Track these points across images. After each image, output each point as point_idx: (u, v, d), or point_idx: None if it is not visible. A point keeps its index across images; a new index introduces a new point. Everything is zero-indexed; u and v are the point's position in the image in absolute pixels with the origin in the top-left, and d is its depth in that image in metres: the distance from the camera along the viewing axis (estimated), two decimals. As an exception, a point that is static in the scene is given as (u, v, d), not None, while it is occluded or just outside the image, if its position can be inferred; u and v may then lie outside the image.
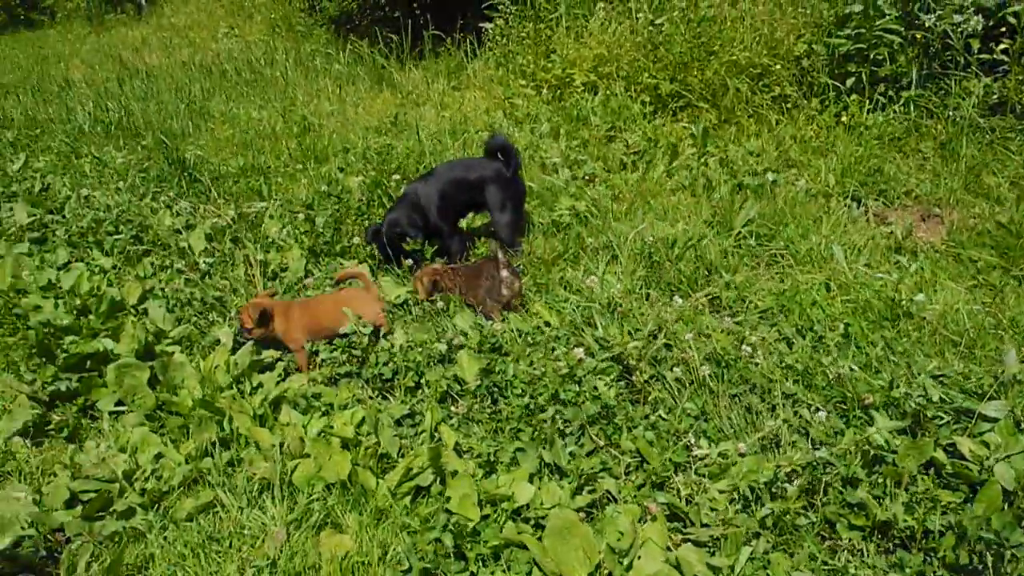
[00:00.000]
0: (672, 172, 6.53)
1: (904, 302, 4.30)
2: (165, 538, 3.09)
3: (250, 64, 11.14)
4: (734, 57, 7.99)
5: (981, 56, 6.90)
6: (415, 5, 10.97)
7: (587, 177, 6.43)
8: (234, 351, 4.15)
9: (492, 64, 10.07)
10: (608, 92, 8.41)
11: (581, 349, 3.85)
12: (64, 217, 6.18)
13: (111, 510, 3.19)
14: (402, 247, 4.92)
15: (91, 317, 4.48)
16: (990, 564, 2.61)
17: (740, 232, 5.17)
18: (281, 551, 2.97)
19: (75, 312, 4.54)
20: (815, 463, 3.03)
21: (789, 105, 7.78)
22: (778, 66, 7.89)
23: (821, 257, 4.89)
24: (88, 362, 4.05)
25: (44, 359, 4.14)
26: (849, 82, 7.47)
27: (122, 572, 2.88)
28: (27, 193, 6.79)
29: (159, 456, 3.50)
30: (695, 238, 4.92)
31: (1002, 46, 6.84)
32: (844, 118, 7.23)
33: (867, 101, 7.21)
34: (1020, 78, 6.75)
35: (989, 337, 4.15)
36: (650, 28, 8.67)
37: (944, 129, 6.77)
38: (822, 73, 7.71)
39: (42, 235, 5.84)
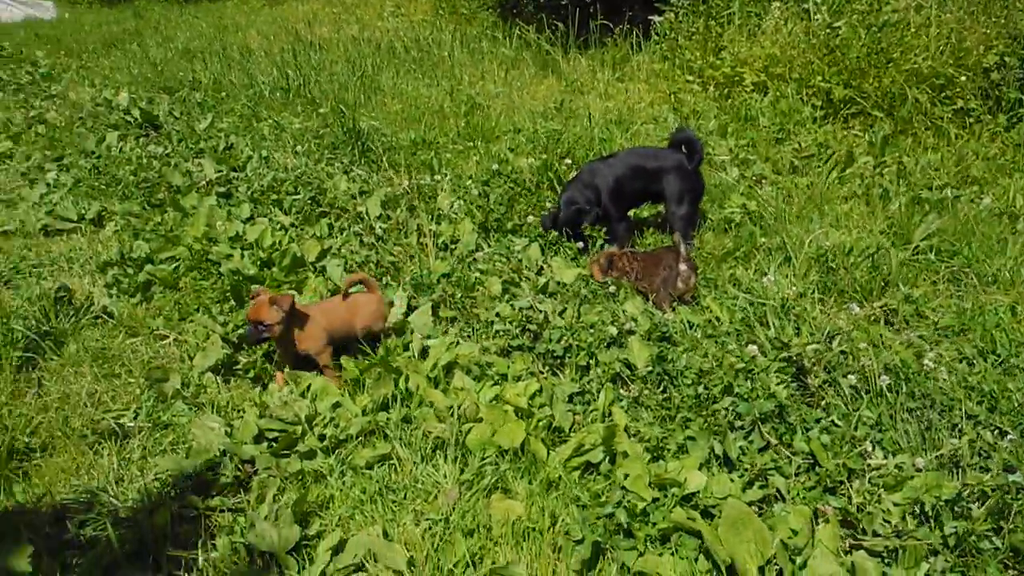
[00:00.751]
0: (844, 179, 6.35)
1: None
2: (344, 482, 3.23)
3: (417, 43, 11.40)
4: (915, 65, 7.69)
5: None
6: (585, -7, 11.01)
7: (756, 178, 6.33)
8: (407, 313, 4.29)
9: (658, 58, 10.01)
10: (778, 93, 8.24)
11: (755, 346, 3.80)
12: (247, 175, 6.50)
13: (295, 450, 3.36)
14: (579, 225, 4.97)
15: (275, 269, 4.71)
16: None
17: (918, 246, 4.98)
18: (453, 508, 3.06)
19: (260, 264, 4.78)
20: (1006, 487, 2.90)
21: (972, 120, 7.43)
22: (963, 77, 7.55)
23: (1008, 279, 4.67)
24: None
25: (235, 304, 4.38)
26: (1041, 98, 7.10)
27: (305, 508, 3.02)
28: (213, 151, 7.17)
29: (336, 406, 3.65)
30: (871, 247, 4.77)
31: None
32: (1034, 136, 6.88)
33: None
34: None
35: None
36: (827, 31, 8.43)
37: None
38: (1012, 87, 7.33)
39: (227, 190, 6.16)
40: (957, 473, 3.15)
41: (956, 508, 2.89)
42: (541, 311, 4.08)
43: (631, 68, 9.96)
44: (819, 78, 8.13)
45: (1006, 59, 7.48)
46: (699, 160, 5.11)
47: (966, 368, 3.83)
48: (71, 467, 3.37)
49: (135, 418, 3.64)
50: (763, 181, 6.28)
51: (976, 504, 2.88)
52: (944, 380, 3.61)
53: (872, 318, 4.28)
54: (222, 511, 3.11)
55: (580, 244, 4.98)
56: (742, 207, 5.54)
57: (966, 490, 2.90)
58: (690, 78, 9.18)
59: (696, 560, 2.86)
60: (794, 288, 4.43)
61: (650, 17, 10.16)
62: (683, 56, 9.57)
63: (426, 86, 9.48)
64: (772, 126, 7.54)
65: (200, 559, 2.86)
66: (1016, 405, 3.49)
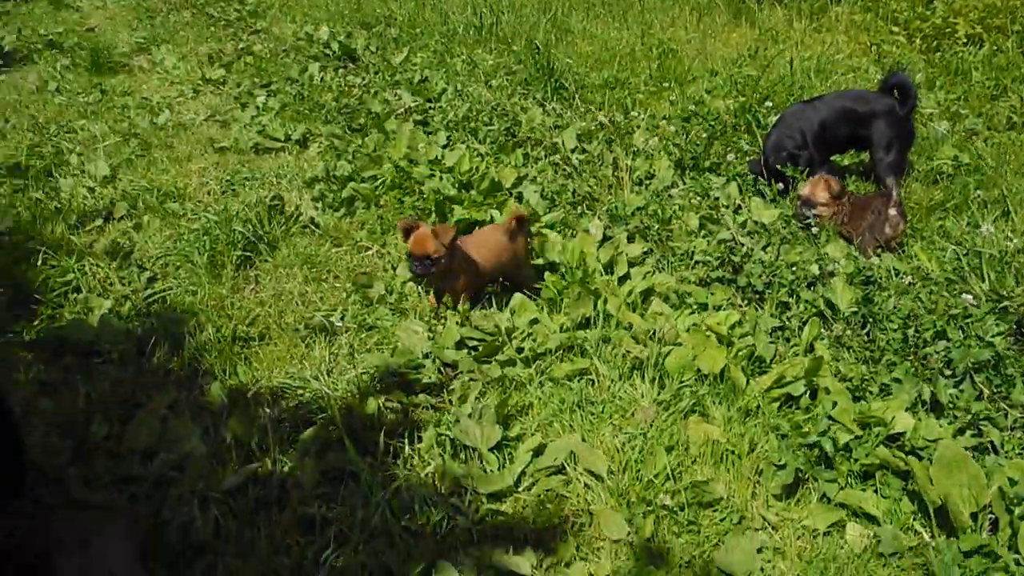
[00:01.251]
0: (1072, 139, 5.85)
1: None
2: (543, 392, 3.27)
3: (611, -14, 11.25)
4: None
5: None
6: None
7: (967, 132, 5.92)
8: (602, 243, 4.29)
9: (860, 8, 9.50)
10: (996, 47, 7.66)
11: (969, 296, 3.59)
12: (442, 106, 6.62)
13: (496, 358, 3.43)
14: (785, 169, 4.83)
15: (473, 192, 4.79)
16: None
17: None
18: (651, 425, 3.05)
19: (459, 186, 4.87)
20: None
21: None
22: None
23: None
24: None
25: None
26: None
27: (506, 411, 3.08)
28: (408, 83, 7.34)
29: (534, 322, 3.70)
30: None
31: None
32: None
33: None
34: None
35: None
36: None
37: None
38: None
39: (424, 119, 6.31)
40: None
41: None
42: (743, 244, 3.98)
43: (829, 19, 9.50)
44: (1046, 31, 7.51)
45: None
46: (912, 106, 4.84)
47: None
48: (285, 356, 3.57)
49: (342, 318, 3.81)
50: (975, 136, 5.87)
51: None
52: None
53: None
54: (425, 408, 3.22)
55: (780, 185, 4.81)
56: (954, 159, 5.21)
57: None
58: (895, 29, 8.66)
59: (900, 500, 2.75)
60: (1013, 242, 4.13)
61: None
62: (888, 7, 9.04)
63: (616, 29, 9.35)
64: (987, 81, 7.02)
65: (406, 448, 2.97)
66: None
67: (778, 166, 4.84)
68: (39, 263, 4.27)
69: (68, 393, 3.28)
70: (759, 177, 4.99)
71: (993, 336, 3.35)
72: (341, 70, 8.02)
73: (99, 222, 4.84)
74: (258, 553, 2.53)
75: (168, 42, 9.68)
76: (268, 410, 3.16)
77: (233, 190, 5.26)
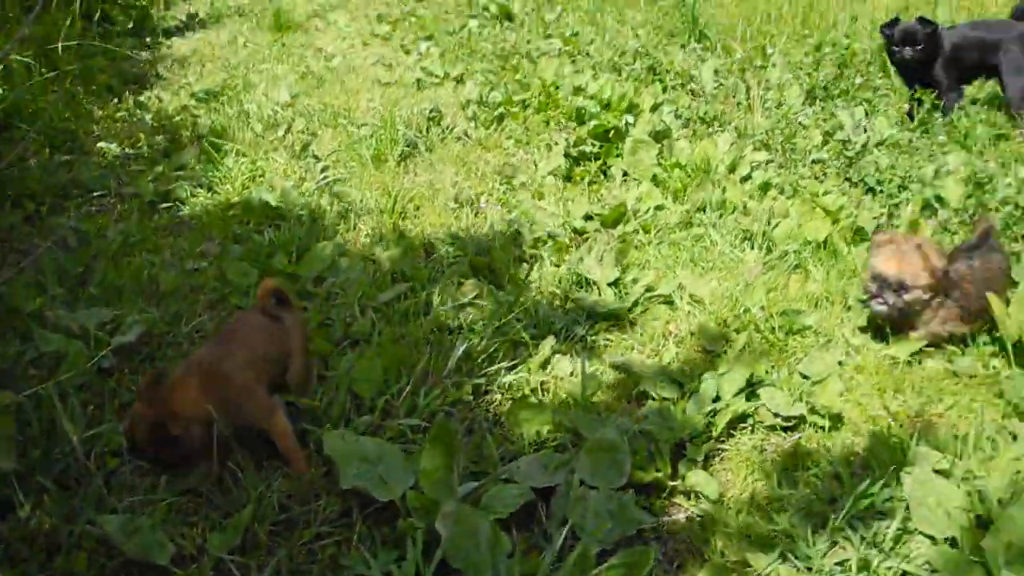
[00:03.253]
0: None
1: None
2: (660, 251, 3.67)
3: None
4: None
5: None
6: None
7: None
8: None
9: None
10: None
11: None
12: (589, 52, 7.06)
13: (619, 226, 3.84)
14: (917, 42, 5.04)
15: (611, 110, 5.20)
16: None
17: None
18: (756, 278, 3.39)
19: (600, 105, 5.29)
20: None
21: None
22: None
23: None
24: (611, 134, 4.75)
25: (577, 126, 4.94)
26: None
27: (625, 260, 3.50)
28: (561, 36, 7.81)
29: (660, 207, 4.08)
30: None
31: None
32: None
33: None
34: None
35: None
36: None
37: None
38: None
39: (573, 60, 6.77)
40: None
41: None
42: (858, 142, 4.23)
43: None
44: None
45: None
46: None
47: None
48: (437, 223, 4.10)
49: (488, 198, 4.31)
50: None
51: None
52: None
53: None
54: (560, 259, 3.67)
55: (905, 106, 4.98)
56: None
57: None
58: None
59: (989, 343, 2.98)
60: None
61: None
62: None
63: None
64: None
65: (536, 279, 3.44)
66: None
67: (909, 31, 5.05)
68: (233, 158, 4.97)
69: (256, 239, 3.90)
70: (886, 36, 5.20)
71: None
72: (497, 27, 8.58)
73: (281, 132, 5.53)
74: (405, 345, 3.03)
75: (341, 7, 10.54)
76: (421, 256, 3.68)
77: (397, 107, 5.86)
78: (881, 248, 2.92)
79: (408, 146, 4.92)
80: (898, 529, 2.12)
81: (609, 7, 9.02)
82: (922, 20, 5.10)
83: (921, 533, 2.11)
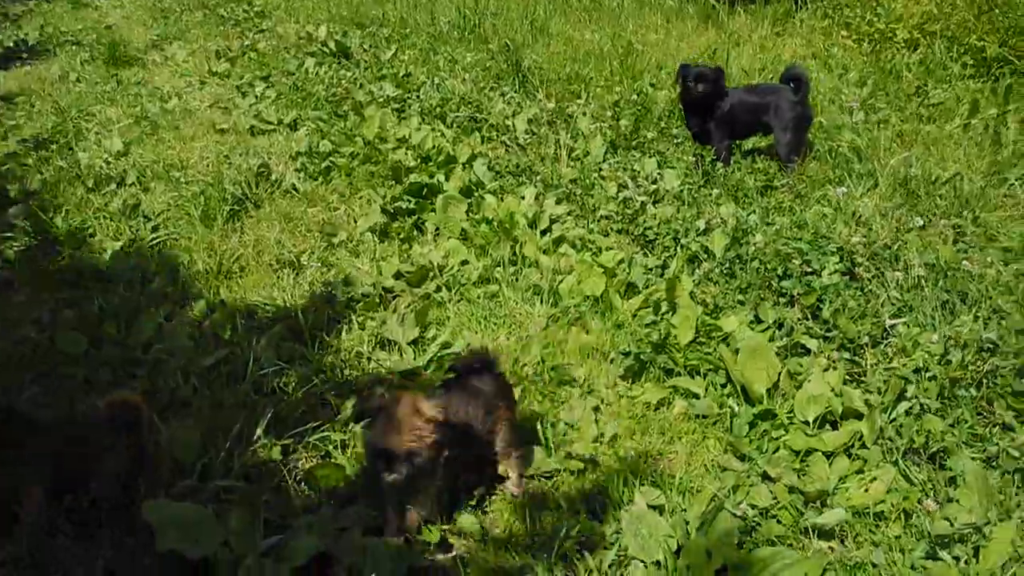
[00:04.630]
0: (969, 128, 6.64)
1: None
2: (458, 308, 4.13)
3: (592, -7, 12.13)
4: (1076, 26, 7.75)
5: None
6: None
7: (878, 121, 6.73)
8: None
9: (819, 15, 10.31)
10: (929, 50, 8.46)
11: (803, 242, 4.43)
12: (419, 97, 7.50)
13: (425, 284, 4.29)
14: (700, 81, 5.68)
15: (430, 164, 5.65)
16: None
17: (1012, 182, 5.34)
18: (539, 332, 3.90)
19: (420, 159, 5.74)
20: (982, 344, 3.44)
21: None
22: None
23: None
24: (424, 192, 5.20)
25: (394, 183, 5.36)
26: None
27: (425, 320, 3.94)
28: (394, 76, 8.22)
29: (465, 262, 4.55)
30: (958, 176, 5.20)
31: None
32: None
33: None
34: None
35: None
36: (987, -11, 8.54)
37: None
38: None
39: (402, 107, 7.20)
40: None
41: (943, 360, 3.46)
42: (639, 200, 4.83)
43: (792, 24, 10.32)
44: (974, 36, 8.29)
45: None
46: (805, 92, 5.65)
47: (1014, 278, 4.28)
48: (261, 284, 4.44)
49: (309, 257, 4.68)
50: (883, 124, 6.67)
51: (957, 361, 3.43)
52: (978, 281, 4.10)
53: (942, 236, 4.75)
54: (368, 318, 4.07)
55: (692, 157, 5.64)
56: (850, 142, 6.02)
57: (948, 342, 3.46)
58: (845, 34, 9.48)
59: (724, 385, 3.57)
60: (869, 204, 4.95)
61: (814, -25, 10.44)
62: (843, 13, 9.85)
63: (591, 32, 10.21)
64: (915, 81, 7.82)
65: (345, 341, 3.84)
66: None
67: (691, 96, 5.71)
68: (63, 217, 5.16)
69: (87, 305, 4.16)
70: (682, 76, 5.82)
71: (831, 273, 4.20)
72: (335, 65, 8.90)
73: (112, 186, 5.73)
74: (224, 409, 3.38)
75: (180, 39, 10.63)
76: (242, 319, 4.02)
77: (228, 161, 6.13)
78: (376, 420, 2.65)
79: (236, 204, 5.23)
80: (619, 554, 2.64)
81: (442, 46, 9.49)
82: (713, 67, 5.83)
83: (636, 558, 2.64)
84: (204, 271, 4.53)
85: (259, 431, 3.16)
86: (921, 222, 4.72)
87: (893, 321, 3.81)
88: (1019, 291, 4.07)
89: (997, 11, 8.32)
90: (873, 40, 9.17)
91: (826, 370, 3.55)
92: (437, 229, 4.95)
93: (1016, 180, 5.40)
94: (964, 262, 4.23)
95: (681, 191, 5.29)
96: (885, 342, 3.75)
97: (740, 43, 9.79)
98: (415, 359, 3.72)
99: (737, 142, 6.10)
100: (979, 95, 7.22)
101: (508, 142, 6.21)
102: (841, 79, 8.09)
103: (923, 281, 4.12)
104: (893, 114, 6.93)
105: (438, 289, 4.28)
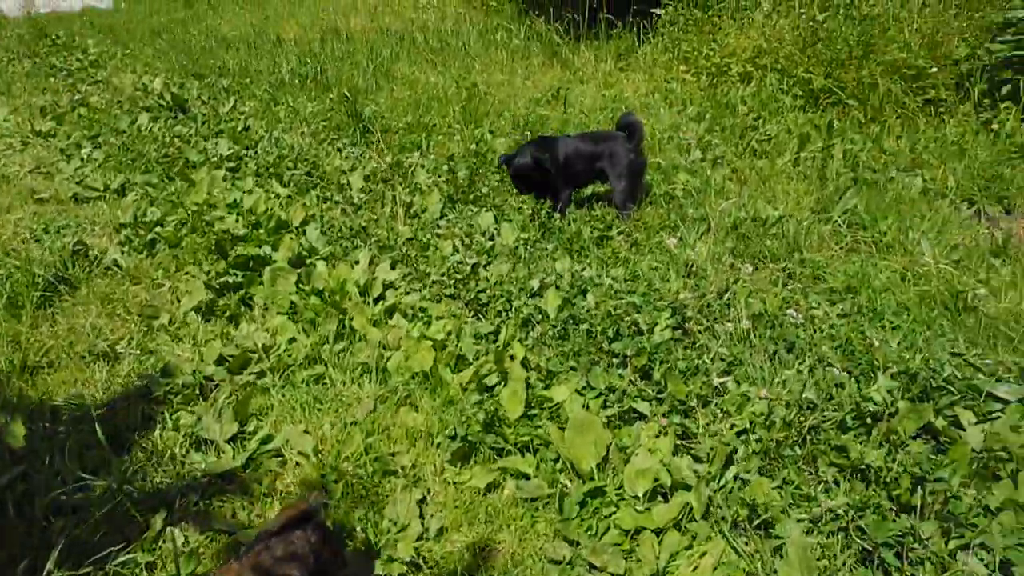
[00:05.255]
0: (799, 162, 6.89)
1: (968, 295, 4.60)
2: (283, 395, 3.95)
3: (438, 33, 12.12)
4: (891, 57, 8.15)
5: None
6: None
7: (714, 159, 6.90)
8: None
9: (660, 49, 10.56)
10: (761, 83, 8.77)
11: (638, 296, 4.45)
12: (256, 152, 7.27)
13: (248, 370, 4.09)
14: (532, 170, 5.62)
15: (261, 231, 5.45)
16: (930, 502, 3.04)
17: (836, 219, 5.53)
18: (366, 416, 3.76)
19: (250, 226, 5.52)
20: (801, 403, 3.50)
21: (942, 110, 7.89)
22: (934, 69, 8.01)
23: (907, 250, 5.20)
24: (252, 263, 4.99)
25: (219, 257, 5.13)
26: (1005, 89, 7.52)
27: (247, 412, 3.75)
28: (231, 131, 7.96)
29: (292, 340, 4.38)
30: (785, 216, 5.35)
31: None
32: (995, 125, 7.31)
33: (1021, 110, 7.23)
34: None
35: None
36: (811, 23, 8.92)
37: (1094, 144, 6.76)
38: (980, 79, 7.76)
39: (236, 166, 6.95)
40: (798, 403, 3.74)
41: (768, 421, 3.51)
42: (468, 264, 4.76)
43: (635, 59, 10.54)
44: (801, 68, 8.65)
45: (977, 52, 7.89)
46: (639, 140, 5.73)
47: (837, 320, 4.40)
48: (70, 380, 4.15)
49: (127, 345, 4.41)
50: (719, 162, 6.85)
51: (781, 419, 3.48)
52: (804, 328, 4.21)
53: (773, 279, 4.87)
54: (185, 411, 3.85)
55: (529, 213, 5.63)
56: (685, 183, 6.14)
57: (770, 403, 3.51)
58: (684, 68, 9.74)
59: (555, 460, 3.52)
60: (703, 250, 5.04)
61: (652, 10, 10.71)
62: (680, 47, 10.12)
63: (438, 74, 10.18)
64: (751, 113, 8.08)
65: (158, 442, 3.61)
66: (867, 350, 4.06)
67: (516, 166, 5.65)
68: None
69: None
70: (500, 165, 5.75)
71: (663, 329, 4.22)
72: (171, 120, 8.57)
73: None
74: (15, 536, 3.11)
75: (3, 93, 10.04)
76: (44, 425, 3.73)
77: (45, 233, 5.76)
78: None
79: (48, 289, 4.90)
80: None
81: (283, 96, 9.27)
82: (541, 145, 5.79)
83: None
84: (5, 369, 4.20)
85: (51, 564, 2.91)
86: (751, 268, 4.82)
87: (721, 380, 3.85)
88: (841, 335, 4.20)
89: (820, 44, 8.70)
90: (711, 74, 9.46)
91: (658, 436, 3.55)
92: (266, 304, 4.75)
93: (840, 217, 5.61)
94: (789, 311, 4.32)
95: (517, 247, 5.26)
96: (714, 401, 3.79)
97: (584, 80, 9.95)
98: (234, 458, 3.53)
99: (576, 190, 6.13)
100: (808, 127, 7.52)
101: (342, 201, 6.05)
102: (680, 114, 8.30)
103: (751, 333, 4.20)
104: (729, 150, 7.13)
105: (262, 374, 4.09)
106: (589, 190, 6.31)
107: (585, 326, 4.26)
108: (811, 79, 8.48)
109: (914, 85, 8.08)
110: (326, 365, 4.15)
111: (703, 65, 9.55)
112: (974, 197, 6.15)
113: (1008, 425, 3.37)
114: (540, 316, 4.48)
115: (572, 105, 8.37)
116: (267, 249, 5.11)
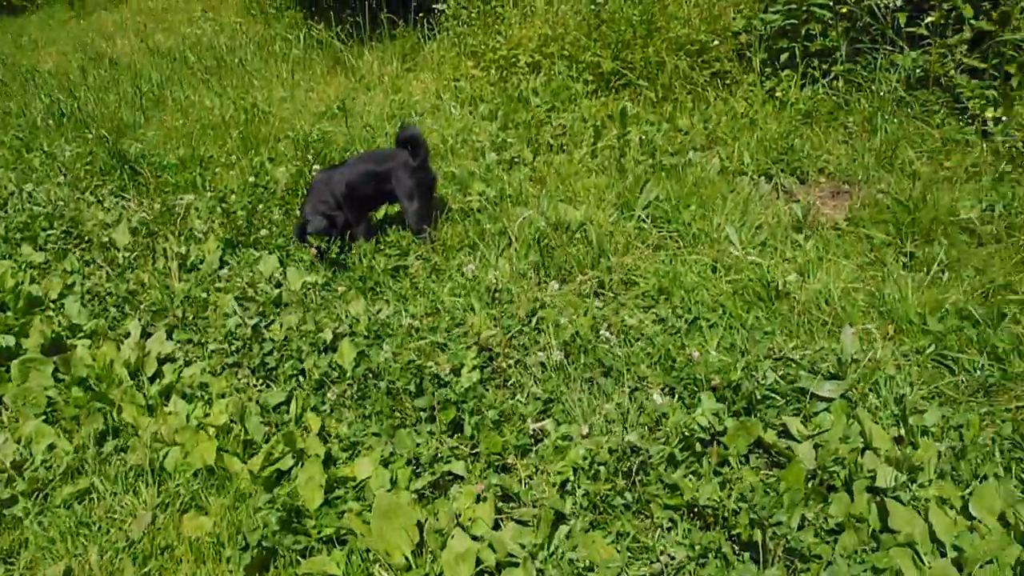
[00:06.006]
0: (597, 153, 6.69)
1: (779, 283, 4.48)
2: (40, 524, 3.34)
3: (212, 50, 11.29)
4: (675, 34, 8.11)
5: (909, 30, 6.93)
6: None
7: (511, 160, 6.59)
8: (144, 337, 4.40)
9: (447, 45, 10.18)
10: (551, 72, 8.55)
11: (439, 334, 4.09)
12: (6, 213, 6.40)
13: (-4, 492, 3.45)
14: (329, 234, 5.14)
15: (7, 314, 4.71)
16: (769, 543, 2.83)
17: (639, 215, 5.33)
18: (144, 533, 3.21)
19: (-3, 307, 4.78)
20: (625, 447, 3.23)
21: (728, 81, 7.90)
22: (716, 42, 8.02)
23: (713, 239, 5.06)
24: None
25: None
26: (783, 57, 7.58)
27: (-8, 556, 3.13)
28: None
29: (52, 447, 3.74)
30: (587, 221, 5.10)
31: (929, 19, 6.87)
32: (778, 93, 7.36)
33: (800, 77, 7.30)
34: (941, 51, 6.82)
35: (860, 316, 4.34)
36: (593, 6, 8.77)
37: (869, 104, 6.88)
38: (760, 49, 7.80)
39: (-20, 234, 6.08)
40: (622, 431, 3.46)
41: (594, 471, 3.21)
42: (249, 325, 4.24)
43: (422, 58, 10.12)
44: (589, 53, 8.47)
45: (753, 22, 7.93)
46: (424, 156, 5.33)
47: (658, 330, 4.18)
48: None
49: None
50: (517, 163, 6.55)
51: (603, 466, 3.19)
52: (620, 348, 3.95)
53: (582, 292, 4.60)
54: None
55: (315, 251, 5.12)
56: (481, 194, 5.79)
57: (592, 453, 3.21)
58: (471, 63, 9.41)
59: (367, 551, 3.09)
60: (507, 268, 4.72)
61: (434, 5, 10.32)
62: (466, 42, 9.79)
63: (215, 96, 9.42)
64: (544, 105, 7.82)
65: None
66: (687, 364, 3.83)
67: (311, 234, 5.14)
68: None
69: None
70: (301, 241, 5.26)
71: (470, 371, 3.86)
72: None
73: None
74: None
75: None
76: None
77: None
78: None
79: None
80: None
81: (40, 139, 8.32)
82: (318, 189, 5.33)
83: None
84: None
85: None
86: (557, 285, 4.53)
87: (537, 424, 3.53)
88: (659, 347, 3.97)
89: (604, 27, 8.57)
90: (500, 67, 9.16)
91: (478, 501, 3.20)
92: (17, 407, 4.07)
93: (642, 212, 5.41)
94: (602, 331, 4.05)
95: (306, 293, 4.76)
96: (534, 450, 3.47)
97: (371, 87, 9.46)
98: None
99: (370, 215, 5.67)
100: (602, 114, 7.34)
101: (105, 263, 5.35)
102: (473, 114, 7.97)
103: (564, 361, 3.90)
104: (524, 148, 6.85)
105: (12, 501, 3.45)
106: (382, 212, 5.85)
107: (385, 382, 3.83)
108: (600, 63, 8.32)
109: (699, 60, 8.07)
110: (92, 475, 3.54)
111: (491, 59, 9.24)
112: (770, 171, 6.11)
113: (837, 437, 3.21)
114: (336, 373, 4.02)
115: (358, 116, 7.87)
116: (9, 339, 4.39)
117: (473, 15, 9.88)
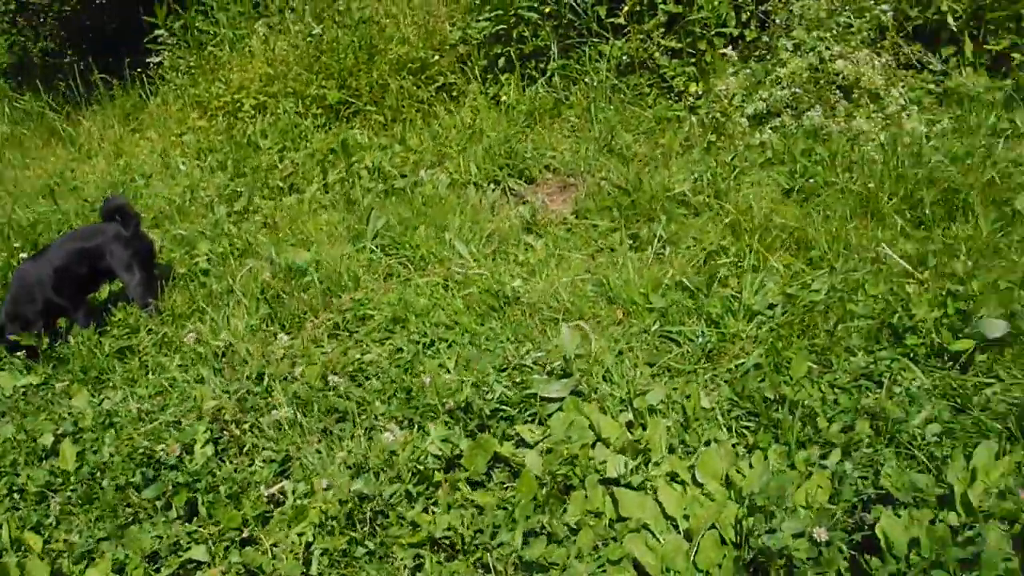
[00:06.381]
0: (329, 188, 6.55)
1: (506, 289, 4.53)
2: None
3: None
4: (394, 55, 8.10)
5: (610, 20, 7.22)
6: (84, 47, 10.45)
7: (242, 211, 6.35)
8: None
9: (172, 98, 9.71)
10: (277, 111, 8.31)
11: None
12: None
13: None
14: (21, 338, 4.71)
15: None
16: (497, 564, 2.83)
17: (368, 246, 5.25)
18: None
19: None
20: (353, 494, 3.14)
21: (455, 93, 7.97)
22: (436, 57, 8.08)
23: (443, 257, 5.05)
24: None
25: None
26: (501, 62, 7.73)
27: None
28: None
29: None
30: (314, 262, 4.98)
31: (625, 8, 7.18)
32: (503, 97, 7.49)
33: (519, 79, 7.47)
34: (640, 37, 7.15)
35: (590, 306, 4.45)
36: (310, 37, 8.62)
37: (585, 96, 7.12)
38: (479, 57, 7.92)
39: None
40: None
41: (328, 527, 3.10)
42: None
43: (147, 115, 9.60)
44: (313, 86, 8.31)
45: (468, 32, 8.03)
46: (135, 224, 5.02)
47: (388, 361, 4.11)
48: None
49: None
50: (248, 213, 6.32)
51: (336, 520, 3.09)
52: (354, 389, 3.85)
53: (317, 338, 4.46)
54: None
55: (23, 354, 4.70)
56: (207, 253, 5.53)
57: (323, 508, 3.10)
58: (196, 114, 9.02)
59: None
60: (239, 327, 4.52)
61: (147, 59, 9.83)
62: (189, 92, 9.38)
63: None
64: (274, 147, 7.59)
65: None
66: (420, 391, 3.78)
67: (15, 336, 4.71)
68: None
69: None
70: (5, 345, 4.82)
71: (202, 447, 3.64)
72: None
73: None
74: None
75: None
76: None
77: None
78: None
79: None
80: None
81: None
82: (22, 281, 4.93)
83: None
84: None
85: None
86: (286, 338, 4.37)
87: (272, 489, 3.38)
88: (390, 380, 3.90)
89: (324, 57, 8.43)
90: (227, 114, 8.83)
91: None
92: None
93: (372, 242, 5.33)
94: (332, 376, 3.93)
95: (19, 399, 4.36)
96: (273, 515, 3.31)
97: (92, 154, 8.90)
98: None
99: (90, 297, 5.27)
100: (327, 147, 7.20)
101: None
102: (202, 167, 7.63)
103: (298, 415, 3.76)
104: (257, 196, 6.62)
105: None
106: (105, 292, 5.45)
107: (108, 479, 3.55)
108: (325, 94, 8.18)
109: (423, 77, 8.11)
110: None
111: (216, 106, 8.89)
112: (498, 177, 6.19)
113: (558, 439, 3.26)
114: (60, 480, 3.69)
115: (77, 190, 7.35)
116: None
117: (192, 63, 9.49)
